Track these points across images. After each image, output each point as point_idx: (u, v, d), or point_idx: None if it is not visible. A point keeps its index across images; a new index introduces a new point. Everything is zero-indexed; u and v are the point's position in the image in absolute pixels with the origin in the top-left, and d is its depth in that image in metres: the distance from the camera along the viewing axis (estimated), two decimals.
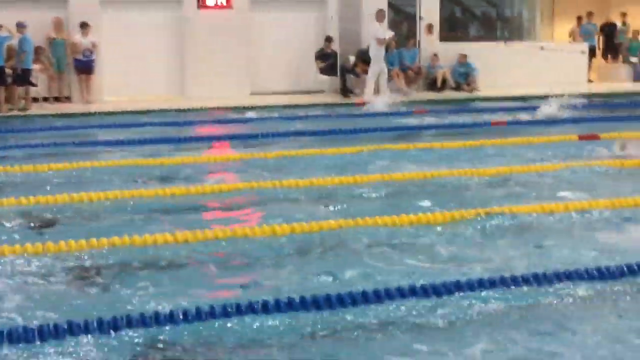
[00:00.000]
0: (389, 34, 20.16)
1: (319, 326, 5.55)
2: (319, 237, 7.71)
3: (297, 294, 5.84)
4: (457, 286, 6.06)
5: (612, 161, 11.65)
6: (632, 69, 24.22)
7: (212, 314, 5.52)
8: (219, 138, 14.60)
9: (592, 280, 6.27)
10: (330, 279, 6.64)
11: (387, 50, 20.49)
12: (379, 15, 19.98)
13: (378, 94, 19.60)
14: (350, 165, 11.53)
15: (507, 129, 15.18)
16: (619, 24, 25.42)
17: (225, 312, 5.54)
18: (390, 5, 22.13)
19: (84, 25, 19.66)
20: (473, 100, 20.40)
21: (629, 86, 22.96)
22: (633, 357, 5.20)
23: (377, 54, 19.95)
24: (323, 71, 21.30)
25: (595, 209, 8.61)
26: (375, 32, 19.85)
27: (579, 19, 24.97)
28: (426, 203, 9.22)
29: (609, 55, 25.28)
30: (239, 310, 5.57)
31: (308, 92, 21.22)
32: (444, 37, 22.77)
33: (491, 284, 6.13)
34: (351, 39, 21.71)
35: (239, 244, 7.53)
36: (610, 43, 25.14)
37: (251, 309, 5.58)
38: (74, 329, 5.22)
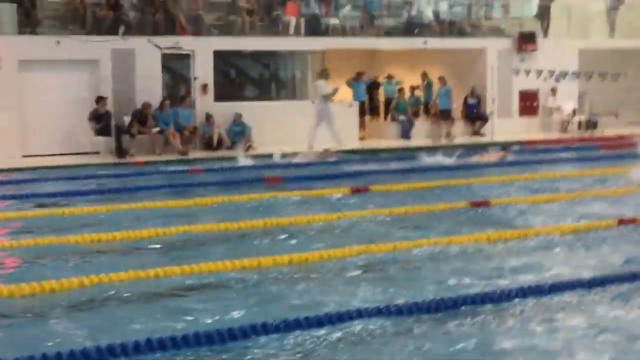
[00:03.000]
0: (332, 89, 21.99)
1: None
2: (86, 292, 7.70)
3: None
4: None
5: (380, 210, 12.18)
6: (400, 127, 25.34)
7: None
8: None
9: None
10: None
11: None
12: (324, 74, 22.24)
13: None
14: (126, 222, 11.52)
15: (282, 185, 15.48)
16: (385, 83, 26.61)
17: None
18: (164, 67, 22.28)
19: None
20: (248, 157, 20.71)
21: (396, 143, 23.96)
22: None
23: (323, 108, 21.70)
24: (98, 132, 21.00)
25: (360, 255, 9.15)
26: (322, 89, 21.77)
27: (347, 80, 25.73)
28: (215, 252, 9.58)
29: (373, 114, 26.31)
30: None
31: (84, 154, 20.81)
32: (220, 97, 23.05)
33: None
34: (126, 99, 21.57)
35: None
36: (372, 102, 26.24)
37: None
38: None
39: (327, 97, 21.85)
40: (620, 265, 8.86)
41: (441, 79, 25.40)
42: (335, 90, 22.19)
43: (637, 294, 7.62)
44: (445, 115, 25.15)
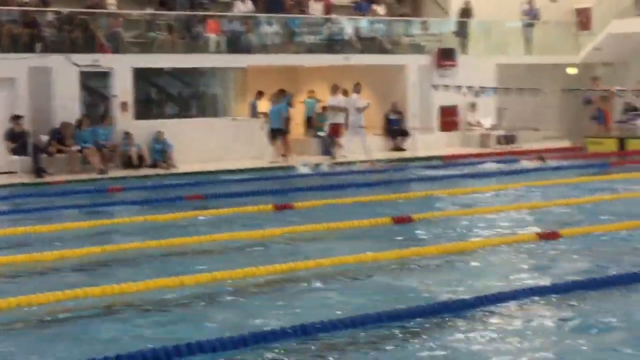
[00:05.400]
0: (365, 103, 24.10)
1: None
2: None
3: None
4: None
5: (304, 226, 12.14)
6: (321, 143, 25.31)
7: None
8: None
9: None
10: None
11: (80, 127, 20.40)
12: (357, 88, 24.23)
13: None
14: (38, 243, 11.36)
15: (204, 203, 15.31)
16: (306, 100, 26.69)
17: None
18: (83, 85, 21.95)
19: None
20: (170, 175, 20.46)
21: (319, 159, 23.87)
22: None
23: (355, 120, 23.74)
24: (14, 151, 20.57)
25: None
26: (354, 103, 23.88)
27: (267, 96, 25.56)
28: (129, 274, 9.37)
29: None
30: None
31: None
32: (140, 115, 22.81)
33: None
34: (44, 118, 21.17)
35: None
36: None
37: None
38: None
39: (361, 110, 23.76)
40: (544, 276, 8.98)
41: (274, 96, 24.44)
42: (367, 104, 24.12)
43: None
44: (275, 134, 23.54)
